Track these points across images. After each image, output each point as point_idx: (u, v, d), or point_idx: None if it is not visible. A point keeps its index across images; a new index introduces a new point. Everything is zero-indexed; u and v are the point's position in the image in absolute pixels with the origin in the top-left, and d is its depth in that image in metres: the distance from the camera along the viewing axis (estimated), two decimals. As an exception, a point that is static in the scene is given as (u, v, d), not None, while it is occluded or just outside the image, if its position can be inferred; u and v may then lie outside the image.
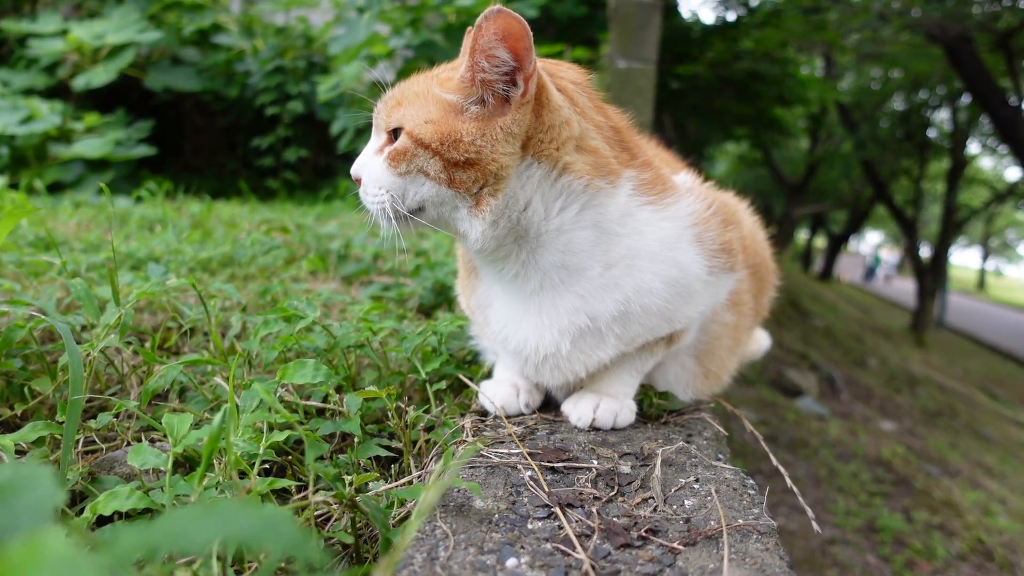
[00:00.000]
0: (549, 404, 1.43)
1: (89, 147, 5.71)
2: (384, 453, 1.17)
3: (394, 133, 1.15)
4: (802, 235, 28.80)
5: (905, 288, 26.38)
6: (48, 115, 5.73)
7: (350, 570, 0.93)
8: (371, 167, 1.17)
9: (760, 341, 2.02)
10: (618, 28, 4.34)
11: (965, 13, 6.44)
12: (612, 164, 1.17)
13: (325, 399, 1.28)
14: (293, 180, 6.86)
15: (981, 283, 44.33)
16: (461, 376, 1.47)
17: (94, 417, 1.20)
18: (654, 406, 1.43)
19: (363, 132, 5.31)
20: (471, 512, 0.96)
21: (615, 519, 0.96)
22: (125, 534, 0.43)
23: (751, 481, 1.11)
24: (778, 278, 1.71)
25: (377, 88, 1.24)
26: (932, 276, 13.45)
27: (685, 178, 1.35)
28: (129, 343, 1.44)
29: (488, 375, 1.50)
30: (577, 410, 1.31)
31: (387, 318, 1.76)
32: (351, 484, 0.98)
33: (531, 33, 1.04)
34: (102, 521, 0.98)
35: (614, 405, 1.31)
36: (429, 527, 0.91)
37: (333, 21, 6.01)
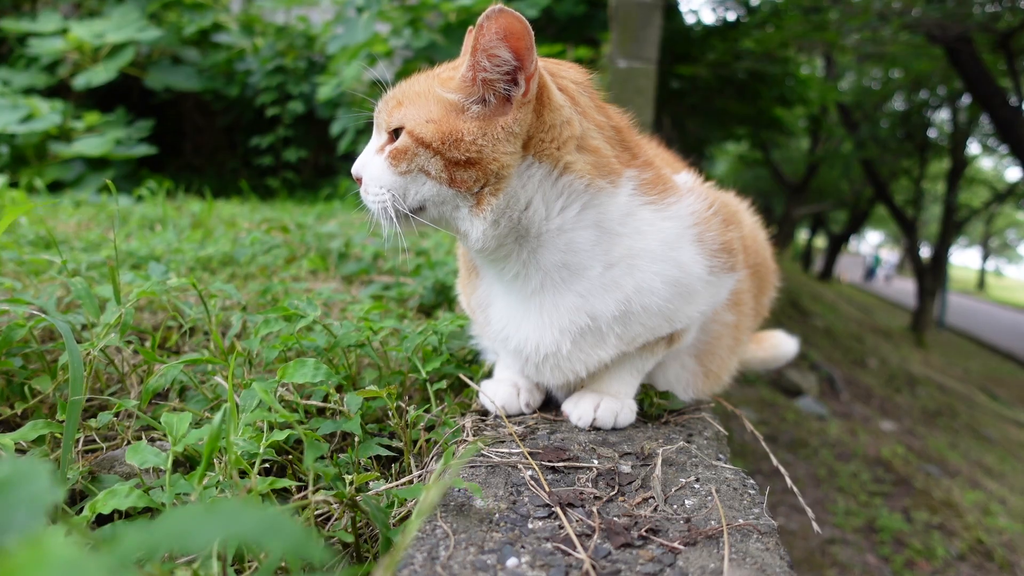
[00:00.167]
0: (550, 404, 1.43)
1: (89, 146, 5.71)
2: (384, 452, 1.16)
3: (395, 133, 1.14)
4: (802, 235, 28.81)
5: (905, 288, 26.39)
6: (48, 114, 5.73)
7: (351, 569, 0.93)
8: (372, 166, 1.16)
9: (784, 346, 1.96)
10: (619, 28, 4.34)
11: (965, 13, 6.43)
12: (613, 164, 1.17)
13: (325, 398, 1.28)
14: (293, 179, 6.87)
15: (981, 283, 44.33)
16: (462, 376, 1.47)
17: (94, 416, 1.20)
18: (655, 406, 1.43)
19: (363, 133, 5.32)
20: (472, 512, 0.96)
21: (615, 519, 0.96)
22: (125, 533, 0.43)
23: (751, 481, 1.11)
24: (778, 278, 1.71)
25: (377, 87, 1.24)
26: (932, 276, 13.45)
27: (686, 178, 1.35)
28: (129, 342, 1.44)
29: (489, 375, 1.50)
30: (578, 410, 1.31)
31: (387, 317, 1.76)
32: (351, 483, 0.97)
33: (532, 32, 1.04)
34: (102, 520, 0.98)
35: (615, 405, 1.31)
36: (429, 527, 0.91)
37: (333, 20, 6.01)
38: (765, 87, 7.96)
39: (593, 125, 1.17)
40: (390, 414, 1.25)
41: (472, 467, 1.10)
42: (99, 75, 6.04)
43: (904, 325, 15.12)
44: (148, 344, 1.55)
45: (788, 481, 1.21)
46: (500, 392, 1.35)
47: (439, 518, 0.93)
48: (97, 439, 1.19)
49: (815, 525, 1.14)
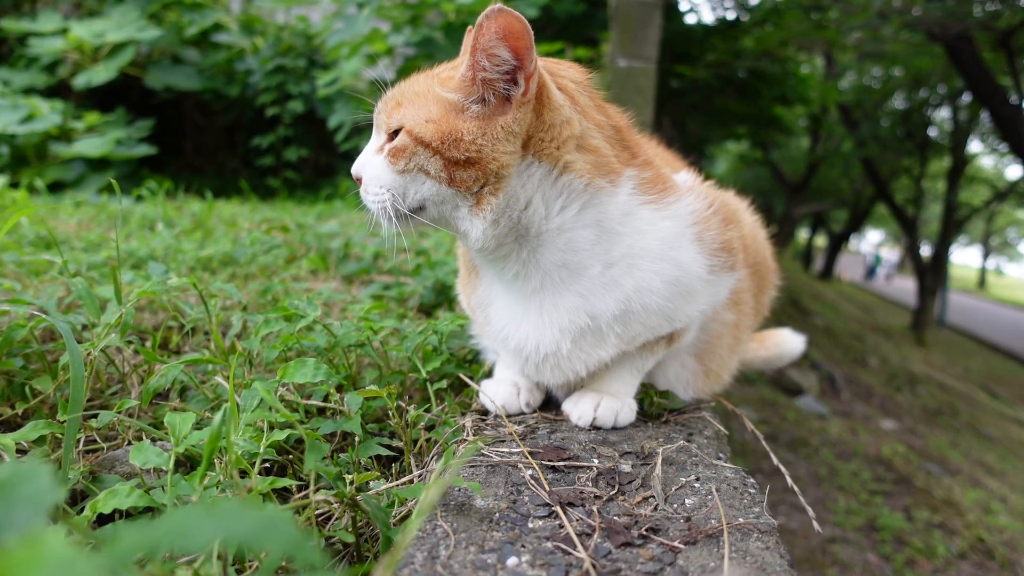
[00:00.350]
0: (550, 403, 1.43)
1: (90, 146, 5.71)
2: (385, 452, 1.17)
3: (395, 134, 1.14)
4: (803, 234, 28.80)
5: (906, 287, 26.38)
6: (49, 114, 5.73)
7: (351, 569, 0.93)
8: (371, 166, 1.16)
9: (789, 344, 1.95)
10: (619, 27, 4.33)
11: (965, 12, 6.43)
12: (613, 163, 1.17)
13: (326, 398, 1.28)
14: (294, 179, 6.87)
15: (982, 282, 44.32)
16: (462, 375, 1.47)
17: (95, 416, 1.20)
18: (655, 405, 1.43)
19: (362, 130, 5.32)
20: (472, 511, 0.96)
21: (616, 518, 0.96)
22: (126, 533, 0.43)
23: (751, 480, 1.11)
24: (779, 277, 1.71)
25: (377, 87, 1.24)
26: (933, 275, 13.44)
27: (686, 177, 1.34)
28: (130, 342, 1.44)
29: (489, 374, 1.50)
30: (578, 409, 1.31)
31: (388, 317, 1.76)
32: (352, 483, 0.98)
33: (532, 32, 1.04)
34: (103, 520, 0.98)
35: (615, 404, 1.31)
36: (430, 526, 0.91)
37: (333, 15, 6.00)
38: (765, 86, 7.96)
39: (593, 124, 1.17)
40: (390, 414, 1.26)
41: (472, 466, 1.10)
42: (99, 75, 6.04)
43: (905, 324, 15.12)
44: (149, 344, 1.55)
45: (788, 480, 1.21)
46: (500, 392, 1.35)
47: (439, 517, 0.93)
48: (98, 439, 1.19)
49: (816, 524, 1.14)
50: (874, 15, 6.56)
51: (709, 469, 1.14)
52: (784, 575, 0.84)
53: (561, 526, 0.92)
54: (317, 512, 1.02)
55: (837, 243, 21.15)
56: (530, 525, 0.93)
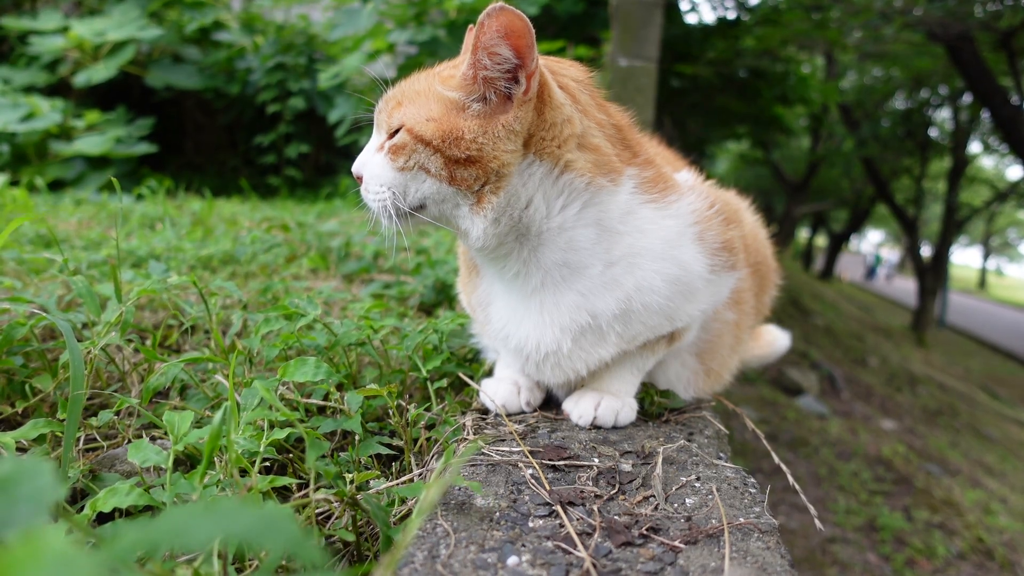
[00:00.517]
0: (550, 402, 1.42)
1: (90, 144, 5.71)
2: (385, 451, 1.16)
3: (395, 133, 1.14)
4: (803, 234, 28.80)
5: (906, 287, 26.38)
6: (49, 112, 5.73)
7: (351, 568, 0.93)
8: (372, 164, 1.16)
9: (778, 342, 1.98)
10: (619, 26, 4.33)
11: (966, 12, 6.43)
12: (614, 162, 1.17)
13: (326, 397, 1.28)
14: (295, 176, 6.86)
15: (982, 282, 44.32)
16: (462, 374, 1.47)
17: (95, 415, 1.20)
18: (655, 404, 1.43)
19: (363, 127, 5.31)
20: (472, 510, 0.96)
21: (616, 517, 0.96)
22: (126, 531, 0.43)
23: (752, 480, 1.11)
24: (779, 277, 1.70)
25: (378, 86, 1.23)
26: (933, 275, 13.44)
27: (687, 176, 1.34)
28: (130, 341, 1.44)
29: (489, 373, 1.50)
30: (578, 408, 1.31)
31: (388, 316, 1.76)
32: (352, 482, 0.97)
33: (533, 30, 1.04)
34: (103, 519, 0.98)
35: (615, 403, 1.31)
36: (430, 525, 0.91)
37: (336, 9, 5.98)
38: (766, 86, 7.95)
39: (594, 123, 1.17)
40: (391, 412, 1.25)
41: (473, 465, 1.10)
42: (100, 73, 6.03)
43: (905, 324, 15.12)
44: (149, 342, 1.55)
45: (790, 479, 1.21)
46: (500, 391, 1.35)
47: (440, 516, 0.93)
48: (98, 437, 1.19)
49: (817, 522, 1.14)
50: (875, 15, 6.56)
51: (710, 469, 1.14)
52: (785, 575, 0.84)
53: (561, 525, 0.92)
54: (317, 511, 1.02)
55: (837, 243, 21.15)
56: (530, 524, 0.93)
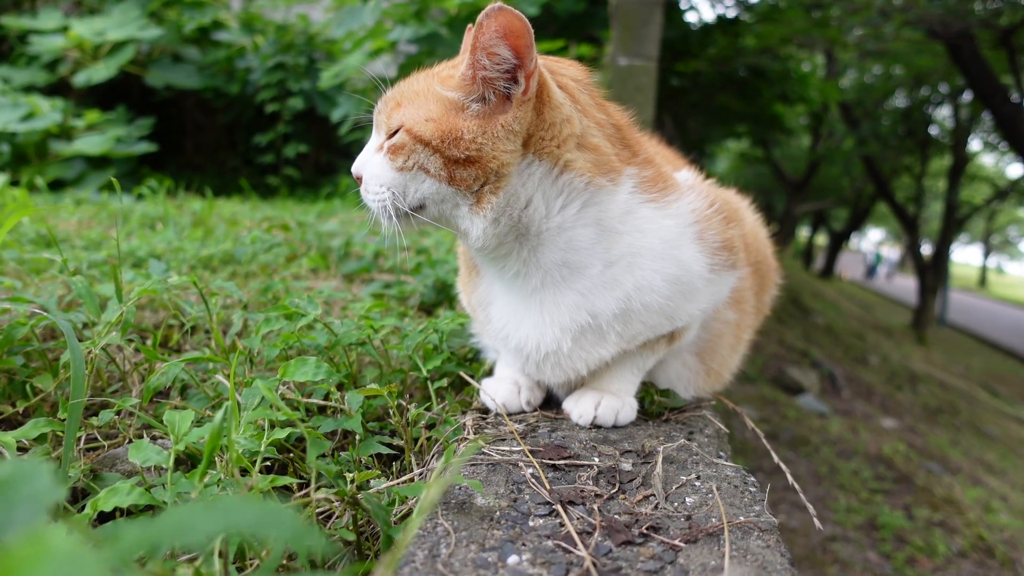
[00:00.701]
0: (550, 402, 1.43)
1: (90, 144, 5.71)
2: (385, 451, 1.17)
3: (395, 134, 1.14)
4: (803, 233, 28.78)
5: (906, 285, 26.37)
6: (49, 112, 5.73)
7: (352, 567, 0.93)
8: (371, 165, 1.16)
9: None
10: (619, 25, 4.33)
11: (967, 10, 6.43)
12: (613, 162, 1.17)
13: (326, 397, 1.28)
14: (294, 176, 6.86)
15: (983, 280, 44.32)
16: (462, 374, 1.47)
17: (95, 414, 1.20)
18: (655, 404, 1.43)
19: (364, 128, 5.31)
20: (472, 509, 0.96)
21: (616, 516, 0.96)
22: (127, 530, 0.43)
23: (752, 478, 1.11)
24: (780, 276, 1.70)
25: (377, 86, 1.23)
26: (933, 273, 13.44)
27: (687, 175, 1.34)
28: (131, 340, 1.44)
29: (489, 373, 1.50)
30: (578, 408, 1.31)
31: (388, 316, 1.76)
32: (353, 481, 0.98)
33: (532, 30, 1.04)
34: (104, 518, 0.98)
35: (615, 403, 1.31)
36: (431, 524, 0.91)
37: (336, 3, 5.97)
38: (766, 84, 7.95)
39: (593, 123, 1.17)
40: (391, 412, 1.26)
41: (473, 465, 1.10)
42: (100, 73, 6.03)
43: (905, 322, 15.12)
44: (149, 342, 1.55)
45: (789, 478, 1.21)
46: (501, 390, 1.35)
47: (440, 516, 0.93)
48: (99, 437, 1.20)
49: (817, 522, 1.14)
50: (875, 13, 6.56)
51: (710, 467, 1.14)
52: (785, 573, 0.84)
53: (562, 524, 0.93)
54: (318, 510, 1.02)
55: (838, 241, 21.14)
56: (531, 523, 0.93)
